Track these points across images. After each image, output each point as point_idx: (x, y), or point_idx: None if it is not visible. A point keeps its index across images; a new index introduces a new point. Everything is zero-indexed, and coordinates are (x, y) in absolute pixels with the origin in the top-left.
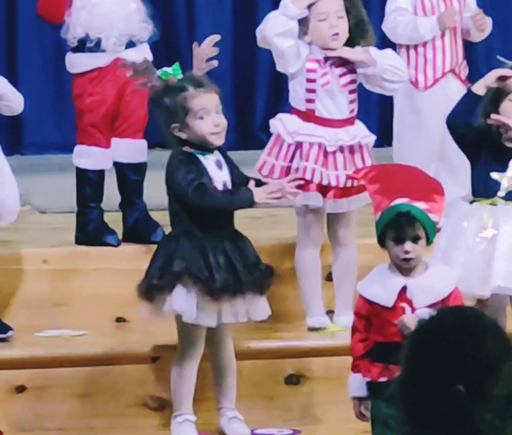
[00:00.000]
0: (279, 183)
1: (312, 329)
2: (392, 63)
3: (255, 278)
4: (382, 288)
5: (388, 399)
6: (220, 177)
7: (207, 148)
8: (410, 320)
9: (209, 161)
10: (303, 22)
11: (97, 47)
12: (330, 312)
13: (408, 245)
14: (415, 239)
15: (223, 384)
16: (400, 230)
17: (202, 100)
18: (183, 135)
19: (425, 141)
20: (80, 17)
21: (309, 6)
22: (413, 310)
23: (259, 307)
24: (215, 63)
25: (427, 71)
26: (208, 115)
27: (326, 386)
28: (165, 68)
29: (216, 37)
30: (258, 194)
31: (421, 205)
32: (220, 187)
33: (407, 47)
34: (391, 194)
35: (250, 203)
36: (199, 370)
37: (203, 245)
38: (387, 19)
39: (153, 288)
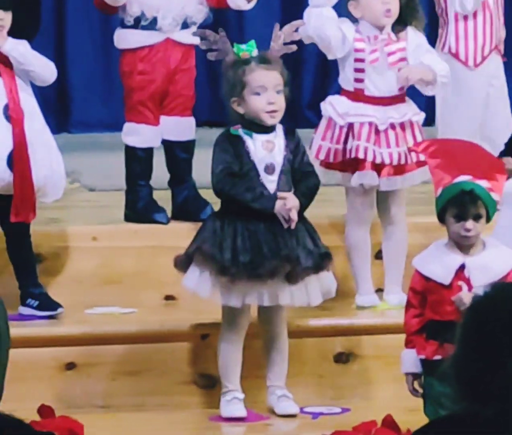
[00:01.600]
0: (294, 201)
1: (362, 307)
2: (445, 75)
3: (275, 264)
4: (440, 265)
5: (441, 377)
6: (265, 159)
7: (262, 126)
8: (467, 296)
9: (256, 142)
10: None
11: (152, 25)
12: (379, 291)
13: (470, 223)
14: (477, 217)
15: (273, 362)
16: (462, 207)
17: (260, 76)
18: (241, 110)
19: (469, 121)
20: None
21: None
22: (471, 288)
23: (293, 293)
24: (293, 47)
25: (477, 50)
26: (265, 93)
27: (376, 364)
28: (240, 45)
29: (299, 22)
30: (277, 205)
31: (483, 183)
32: (261, 169)
33: (456, 26)
34: (454, 170)
35: (267, 210)
36: (250, 347)
37: (235, 226)
38: None
39: (181, 262)
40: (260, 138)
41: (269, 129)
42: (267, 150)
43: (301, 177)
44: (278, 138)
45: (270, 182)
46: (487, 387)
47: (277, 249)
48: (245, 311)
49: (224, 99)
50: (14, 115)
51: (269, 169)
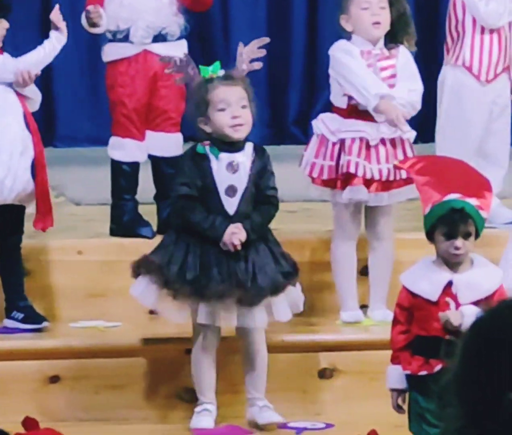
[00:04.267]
0: (239, 229)
1: (346, 323)
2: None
3: (224, 288)
4: (427, 282)
5: (427, 392)
6: (227, 181)
7: (229, 144)
8: (454, 315)
9: (221, 163)
10: (345, 11)
11: (126, 38)
12: (364, 307)
13: (460, 241)
14: (466, 235)
15: (252, 375)
16: (452, 225)
17: (222, 92)
18: (208, 129)
19: (469, 137)
20: (110, 8)
21: None
22: (458, 305)
23: (252, 314)
24: (259, 64)
25: (491, 65)
26: (229, 108)
27: (360, 380)
28: (206, 67)
29: (264, 40)
30: (226, 234)
31: (473, 201)
32: (222, 190)
33: (472, 39)
34: (443, 188)
35: (218, 239)
36: (228, 363)
37: (188, 243)
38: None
39: (133, 269)
40: (225, 158)
41: (236, 147)
42: (230, 172)
43: (262, 200)
44: (245, 158)
45: (230, 204)
46: (485, 412)
47: (228, 273)
48: (211, 327)
49: (191, 121)
50: (31, 124)
51: (230, 191)
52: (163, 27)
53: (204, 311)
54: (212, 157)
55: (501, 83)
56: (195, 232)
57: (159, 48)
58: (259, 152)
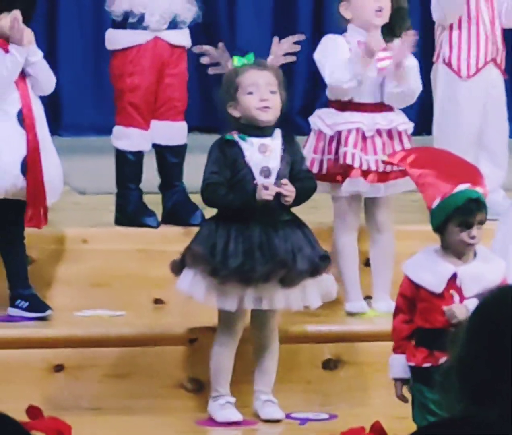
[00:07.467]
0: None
1: (350, 314)
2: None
3: (269, 269)
4: (431, 273)
5: (431, 384)
6: (261, 162)
7: (258, 129)
8: (459, 309)
9: (251, 145)
10: None
11: (139, 23)
12: (367, 298)
13: (475, 230)
14: (480, 223)
15: (263, 368)
16: (470, 215)
17: (251, 76)
18: (237, 114)
19: (465, 130)
20: None
21: None
22: (462, 298)
23: (288, 296)
24: (292, 58)
25: (470, 60)
26: (258, 91)
27: (364, 371)
28: (239, 57)
29: (300, 36)
30: (259, 191)
31: (480, 190)
32: (257, 172)
33: (450, 35)
34: (449, 179)
35: (250, 201)
36: (239, 352)
37: (229, 230)
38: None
39: (175, 265)
40: (255, 142)
41: (265, 132)
42: (262, 154)
43: (298, 181)
44: (275, 142)
45: None
46: (489, 390)
47: (271, 254)
48: (241, 316)
49: (221, 107)
50: (27, 121)
51: (265, 172)
52: (177, 13)
53: (251, 297)
54: (242, 142)
55: (492, 74)
56: (230, 211)
57: (170, 36)
58: (288, 138)
